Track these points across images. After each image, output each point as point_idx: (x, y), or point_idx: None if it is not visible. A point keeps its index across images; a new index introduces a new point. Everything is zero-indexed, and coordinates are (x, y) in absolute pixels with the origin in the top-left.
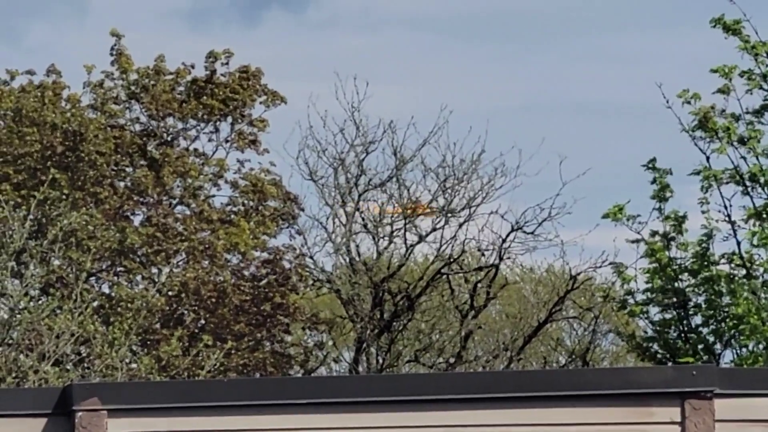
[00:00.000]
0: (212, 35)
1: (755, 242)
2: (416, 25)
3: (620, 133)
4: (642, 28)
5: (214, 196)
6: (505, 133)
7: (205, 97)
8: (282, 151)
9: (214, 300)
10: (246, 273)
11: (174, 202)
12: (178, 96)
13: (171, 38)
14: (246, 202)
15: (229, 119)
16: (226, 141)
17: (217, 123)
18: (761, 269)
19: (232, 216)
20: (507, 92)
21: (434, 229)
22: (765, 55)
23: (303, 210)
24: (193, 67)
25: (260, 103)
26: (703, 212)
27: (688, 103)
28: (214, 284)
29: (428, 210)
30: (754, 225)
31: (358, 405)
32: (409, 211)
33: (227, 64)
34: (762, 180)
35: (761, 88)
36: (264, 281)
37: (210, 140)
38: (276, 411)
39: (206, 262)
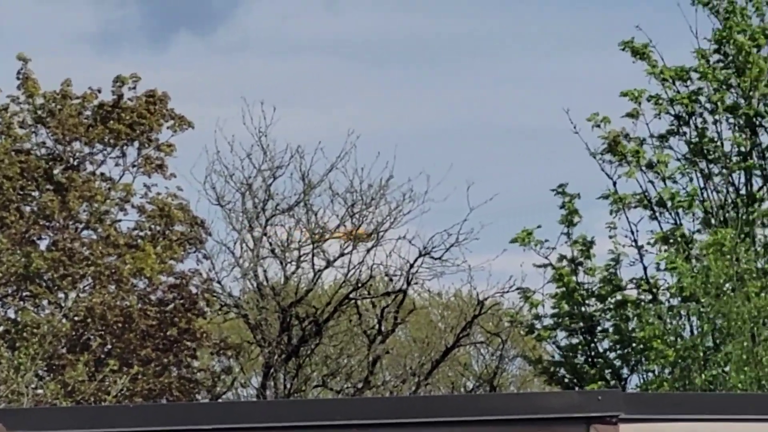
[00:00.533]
0: (121, 59)
1: (661, 267)
2: (326, 50)
3: (529, 158)
4: (551, 51)
5: (120, 220)
6: (414, 159)
7: (111, 122)
8: (189, 175)
9: (120, 325)
10: (152, 298)
11: (80, 226)
12: (84, 120)
13: (79, 62)
14: (153, 226)
15: (136, 144)
16: (133, 165)
17: (124, 147)
18: (667, 294)
19: (139, 240)
20: (415, 117)
21: (342, 254)
22: (671, 80)
23: (210, 235)
24: (99, 91)
25: (167, 127)
26: (610, 237)
27: (598, 126)
28: (121, 309)
29: (340, 234)
30: (660, 250)
31: (266, 430)
32: (317, 236)
33: (134, 88)
34: (669, 204)
35: (668, 113)
36: (171, 306)
37: (117, 165)
38: None
39: (112, 287)
